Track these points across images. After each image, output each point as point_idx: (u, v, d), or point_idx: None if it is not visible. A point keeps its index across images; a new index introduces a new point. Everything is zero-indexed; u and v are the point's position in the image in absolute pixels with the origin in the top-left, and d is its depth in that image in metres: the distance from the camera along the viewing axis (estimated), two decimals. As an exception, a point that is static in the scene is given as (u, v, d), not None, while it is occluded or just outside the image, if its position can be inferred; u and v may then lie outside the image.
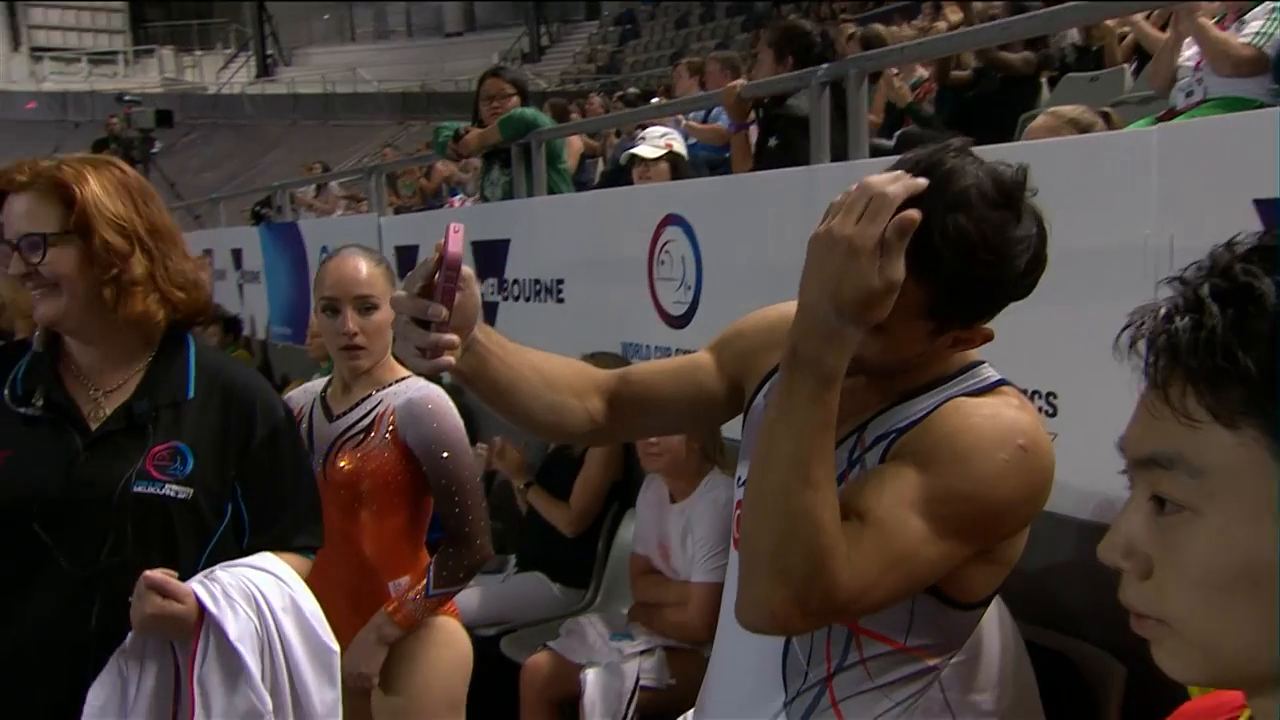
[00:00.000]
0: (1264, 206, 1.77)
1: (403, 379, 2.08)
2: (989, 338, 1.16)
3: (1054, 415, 2.15)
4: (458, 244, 1.09)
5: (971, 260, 1.03)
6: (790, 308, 1.16)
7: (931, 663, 1.18)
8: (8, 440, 1.47)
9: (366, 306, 2.01)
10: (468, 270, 1.13)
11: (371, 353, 2.04)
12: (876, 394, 1.17)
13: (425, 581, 2.00)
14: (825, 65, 2.90)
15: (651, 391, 1.33)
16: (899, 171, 1.03)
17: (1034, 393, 2.17)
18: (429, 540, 2.92)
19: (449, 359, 1.12)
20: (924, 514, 1.04)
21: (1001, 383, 1.19)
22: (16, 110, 23.86)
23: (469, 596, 3.14)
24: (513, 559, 3.31)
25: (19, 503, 1.43)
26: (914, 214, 1.00)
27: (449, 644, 2.06)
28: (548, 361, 1.28)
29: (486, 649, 3.01)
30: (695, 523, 2.64)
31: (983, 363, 1.21)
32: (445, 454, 1.99)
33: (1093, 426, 2.08)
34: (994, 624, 1.78)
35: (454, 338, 1.11)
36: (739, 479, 1.30)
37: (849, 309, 0.99)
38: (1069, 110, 2.89)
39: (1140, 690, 1.93)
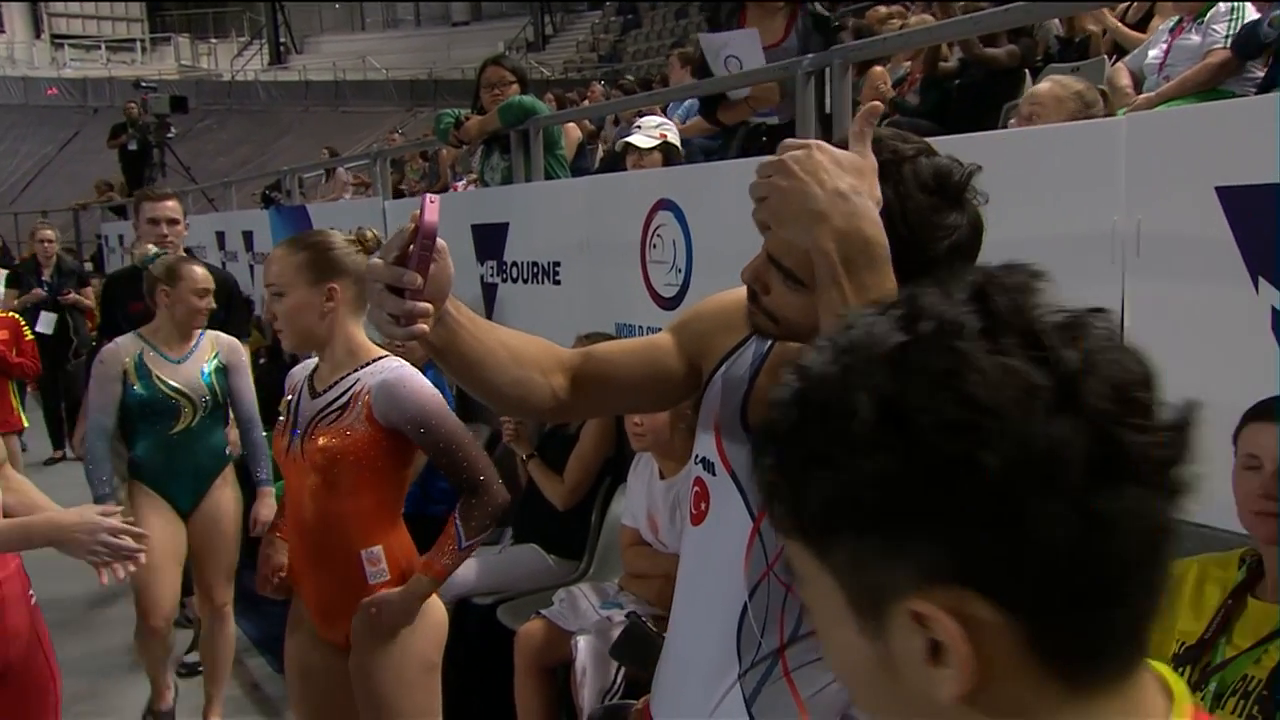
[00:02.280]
0: (1226, 193, 1.77)
1: (379, 359, 2.08)
2: None
3: (1025, 395, 2.15)
4: (433, 214, 1.08)
5: (888, 230, 1.02)
6: (742, 293, 1.17)
7: None
8: None
9: (275, 294, 2.06)
10: (442, 242, 1.12)
11: (288, 335, 2.09)
12: None
13: (455, 536, 2.01)
14: (810, 56, 2.89)
15: (612, 369, 1.33)
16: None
17: (1006, 373, 2.18)
18: (430, 512, 2.94)
19: (422, 327, 1.10)
20: None
21: None
22: (38, 96, 23.78)
23: (467, 567, 3.16)
24: (509, 531, 3.32)
25: None
26: (878, 104, 1.08)
27: (423, 610, 2.07)
28: (515, 338, 1.27)
29: (483, 617, 3.03)
30: (683, 498, 2.65)
31: None
32: (427, 426, 2.00)
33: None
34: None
35: (428, 306, 1.10)
36: (695, 456, 1.30)
37: (862, 184, 1.01)
38: (1075, 83, 2.84)
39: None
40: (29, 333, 5.47)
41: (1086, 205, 2.03)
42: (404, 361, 2.08)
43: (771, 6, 3.51)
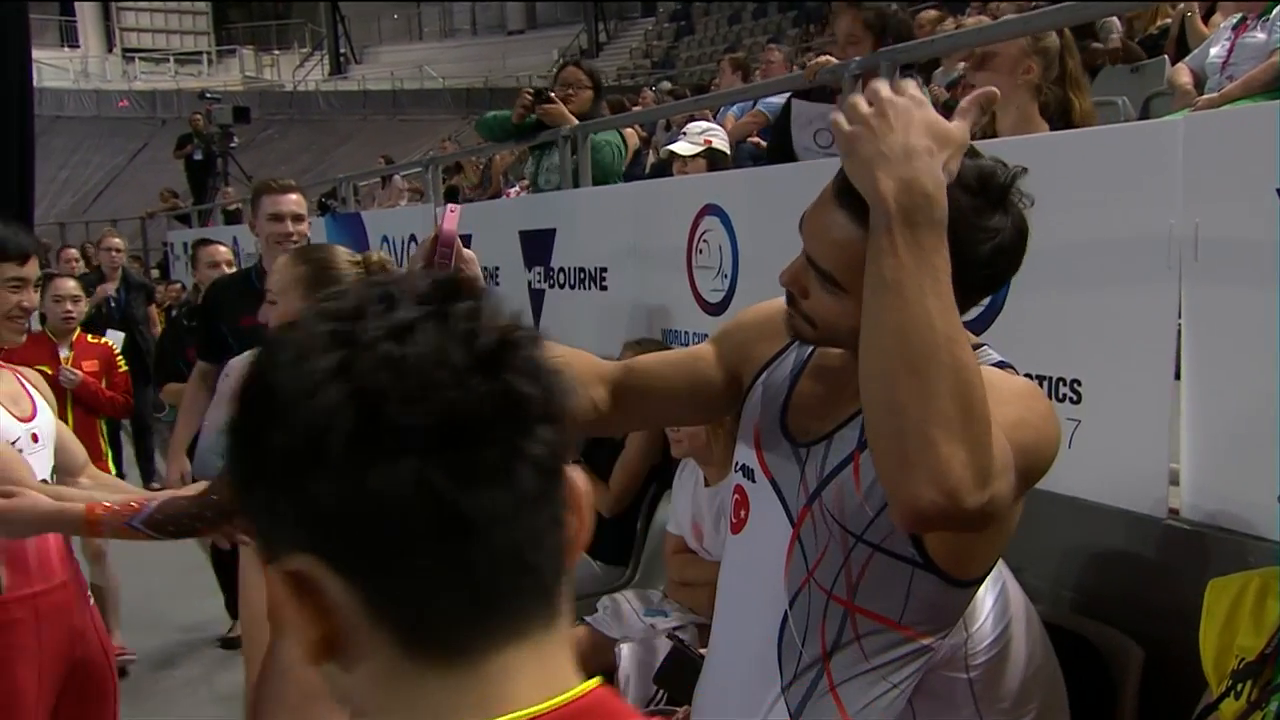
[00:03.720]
0: (1289, 195, 1.70)
1: None
2: None
3: (1078, 402, 2.09)
4: (452, 223, 1.12)
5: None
6: (782, 301, 1.14)
7: (925, 641, 1.16)
8: None
9: (270, 301, 2.08)
10: (469, 253, 1.16)
11: None
12: None
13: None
14: (857, 59, 2.85)
15: (654, 381, 1.33)
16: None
17: (1058, 379, 2.12)
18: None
19: None
20: (1009, 436, 0.99)
21: (1004, 364, 1.16)
22: (110, 108, 24.46)
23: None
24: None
25: None
26: (994, 91, 1.12)
27: None
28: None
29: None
30: (727, 506, 2.62)
31: (984, 345, 1.17)
32: None
33: (1115, 413, 2.03)
34: (1022, 628, 1.74)
35: None
36: (736, 463, 1.28)
37: (940, 150, 0.99)
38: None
39: (1157, 673, 1.88)
40: (123, 363, 4.49)
41: (1142, 208, 1.96)
42: None
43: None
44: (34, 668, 2.13)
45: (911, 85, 1.02)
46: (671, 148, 3.95)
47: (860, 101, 1.01)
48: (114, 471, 4.22)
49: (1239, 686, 1.53)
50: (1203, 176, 1.86)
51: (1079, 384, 2.09)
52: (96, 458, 3.64)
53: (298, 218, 3.20)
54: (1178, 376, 1.93)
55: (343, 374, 0.52)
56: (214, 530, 1.90)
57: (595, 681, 0.57)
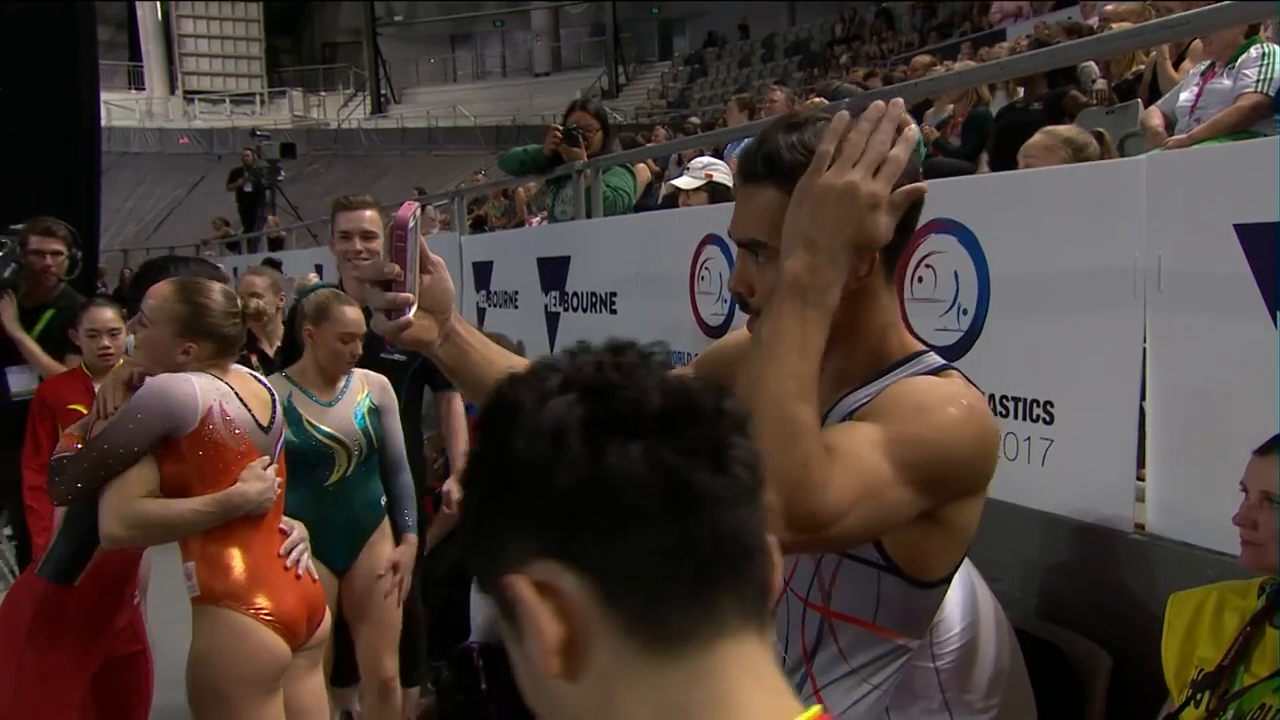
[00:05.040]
0: (1245, 230, 1.68)
1: None
2: (872, 255, 1.08)
3: (1050, 422, 2.07)
4: (405, 211, 1.10)
5: (814, 153, 1.02)
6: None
7: (901, 641, 1.13)
8: None
9: (141, 324, 2.10)
10: (438, 258, 1.15)
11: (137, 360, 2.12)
12: (829, 387, 1.09)
13: None
14: (848, 98, 2.84)
15: None
16: (894, 127, 1.02)
17: (1032, 401, 2.10)
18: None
19: (408, 316, 1.11)
20: (888, 455, 0.99)
21: (946, 367, 1.13)
22: (172, 145, 24.73)
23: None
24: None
25: None
26: (923, 186, 1.05)
27: (230, 638, 2.00)
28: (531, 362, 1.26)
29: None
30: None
31: (927, 351, 1.15)
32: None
33: (1085, 433, 2.01)
34: (991, 626, 1.72)
35: (408, 295, 1.10)
36: None
37: (855, 254, 1.01)
38: (1064, 130, 2.79)
39: (1125, 679, 1.85)
40: None
41: (1109, 241, 1.94)
42: (188, 375, 2.00)
43: None
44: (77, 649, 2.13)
45: (894, 164, 1.01)
46: (675, 182, 3.96)
47: (848, 143, 1.01)
48: None
49: (1199, 696, 1.50)
50: (1165, 212, 1.85)
51: (1051, 405, 2.06)
52: None
53: (366, 234, 2.86)
54: (1144, 398, 1.91)
55: (569, 383, 0.56)
56: None
57: (816, 710, 0.56)
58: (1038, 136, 2.77)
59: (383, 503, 2.68)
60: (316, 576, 2.22)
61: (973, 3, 15.78)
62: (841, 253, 1.00)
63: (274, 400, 2.17)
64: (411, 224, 1.09)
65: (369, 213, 2.90)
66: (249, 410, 2.07)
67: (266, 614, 2.01)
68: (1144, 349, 1.89)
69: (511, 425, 0.57)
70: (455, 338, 1.17)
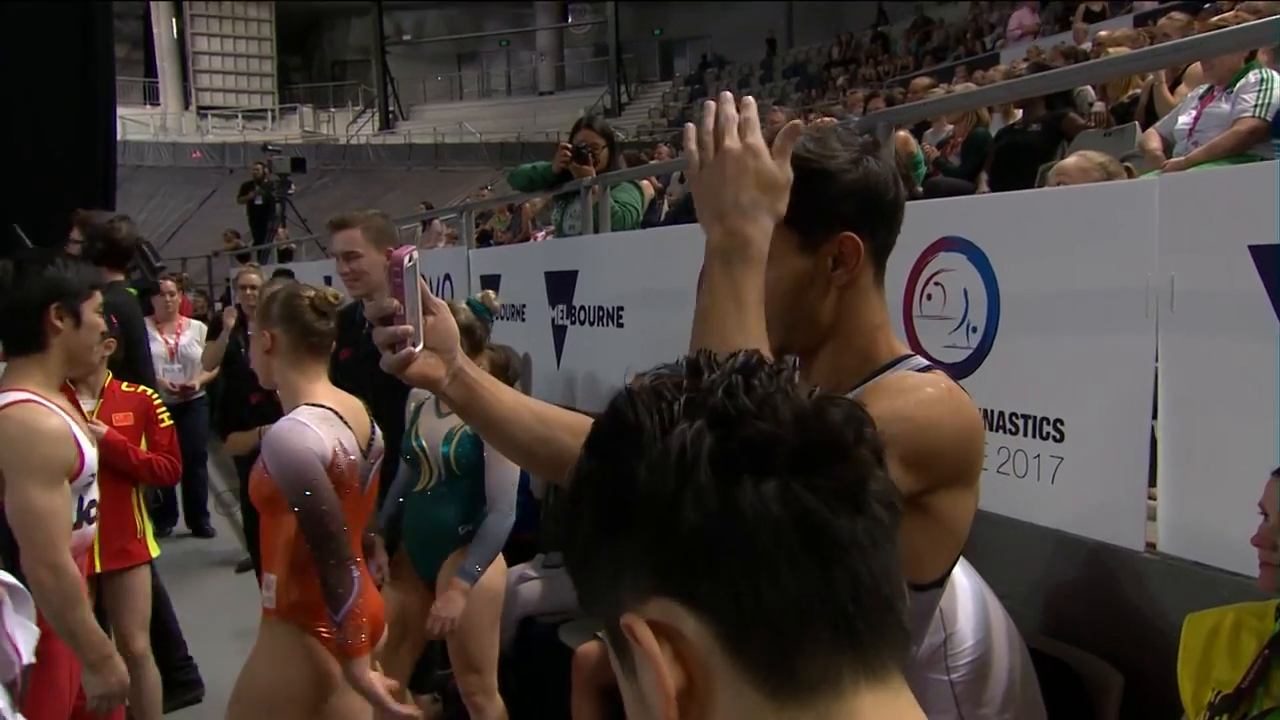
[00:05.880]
0: (1259, 252, 1.64)
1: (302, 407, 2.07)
2: (858, 247, 1.11)
3: (1060, 440, 2.02)
4: (402, 250, 1.13)
5: (796, 158, 1.07)
6: None
7: None
8: None
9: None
10: (440, 300, 1.17)
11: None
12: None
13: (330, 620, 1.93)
14: (856, 118, 2.81)
15: None
16: (730, 99, 1.09)
17: (1042, 419, 2.06)
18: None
19: (409, 349, 1.12)
20: None
21: (931, 367, 1.13)
22: (185, 159, 24.72)
23: (530, 588, 3.09)
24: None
25: None
26: (798, 123, 1.08)
27: (286, 658, 1.96)
28: (542, 404, 1.24)
29: (546, 636, 2.95)
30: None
31: (913, 355, 1.15)
32: (280, 484, 1.94)
33: (1095, 451, 1.96)
34: (1004, 641, 1.67)
35: (407, 328, 1.11)
36: None
37: (765, 199, 1.03)
38: (1098, 156, 2.77)
39: (1136, 699, 1.80)
40: (166, 416, 3.22)
41: (1121, 261, 1.91)
42: (302, 421, 1.93)
43: None
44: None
45: (751, 120, 1.06)
46: None
47: (703, 134, 1.07)
48: (154, 552, 3.12)
49: (1217, 719, 1.45)
50: (1179, 233, 1.81)
51: (1061, 423, 2.02)
52: (129, 535, 2.94)
53: (347, 255, 2.78)
54: (1155, 417, 1.87)
55: (696, 407, 0.50)
56: None
57: None
58: (1073, 159, 2.74)
59: (461, 533, 2.57)
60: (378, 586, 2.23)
61: (966, 27, 15.83)
62: (752, 209, 1.03)
63: (372, 424, 2.13)
64: (408, 263, 1.12)
65: (348, 233, 2.79)
66: (356, 438, 2.03)
67: (328, 635, 1.96)
68: (1155, 368, 1.85)
69: (633, 449, 0.51)
70: (463, 376, 1.17)
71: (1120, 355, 1.91)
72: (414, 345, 1.12)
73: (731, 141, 1.04)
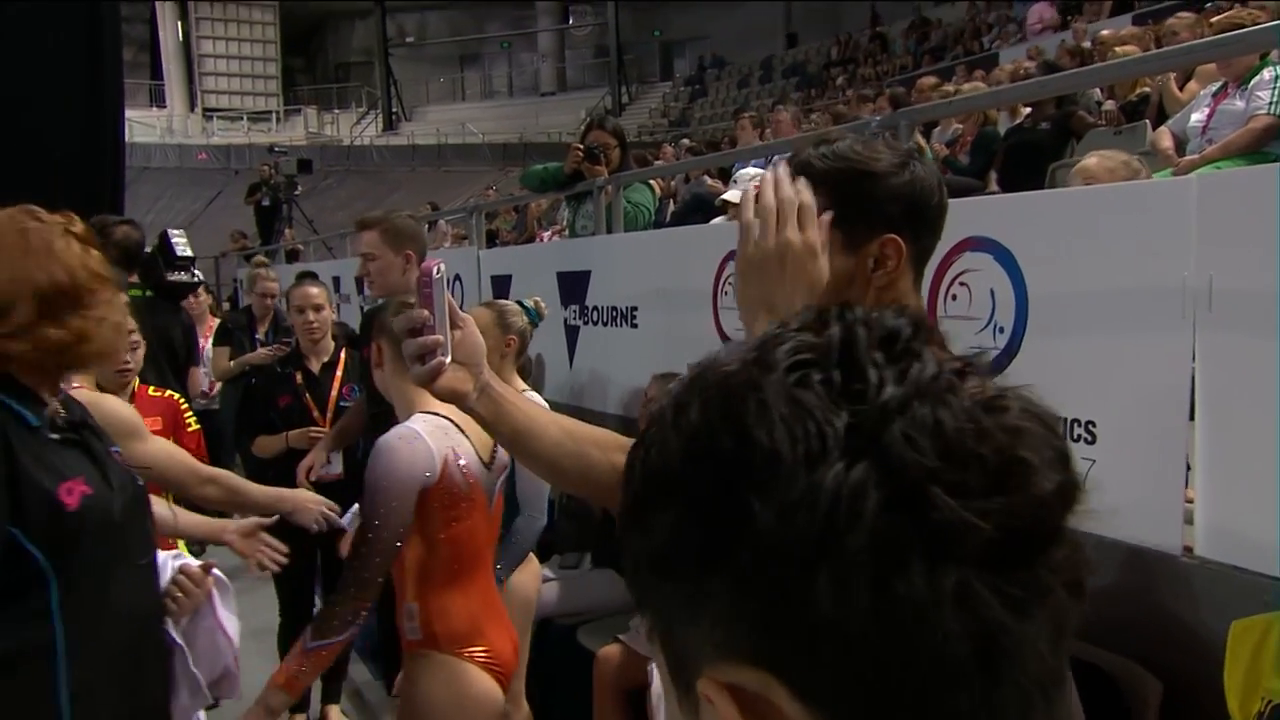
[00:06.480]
0: (1305, 250, 1.59)
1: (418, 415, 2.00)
2: (900, 249, 1.07)
3: (1092, 442, 1.97)
4: (430, 262, 1.13)
5: (844, 159, 1.06)
6: None
7: None
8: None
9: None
10: (466, 315, 1.16)
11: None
12: None
13: (302, 639, 1.78)
14: (878, 118, 2.76)
15: None
16: (789, 176, 1.05)
17: (1073, 420, 2.00)
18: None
19: (439, 359, 1.10)
20: None
21: None
22: (190, 160, 24.65)
23: (550, 590, 3.04)
24: (589, 556, 3.20)
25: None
26: (828, 216, 1.04)
27: (444, 684, 1.84)
28: (572, 420, 1.22)
29: (564, 637, 2.90)
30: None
31: None
32: (368, 497, 1.82)
33: (1128, 453, 1.91)
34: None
35: (437, 338, 1.10)
36: None
37: (809, 302, 1.00)
38: (1119, 154, 2.71)
39: (1175, 705, 1.75)
40: (193, 420, 3.14)
41: (1156, 260, 1.85)
42: (414, 430, 1.82)
43: None
44: None
45: (808, 209, 1.01)
46: (725, 197, 3.88)
47: (764, 211, 1.01)
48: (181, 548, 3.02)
49: (1269, 730, 1.40)
50: (1217, 231, 1.75)
51: (1093, 425, 1.96)
52: (162, 539, 2.83)
53: (368, 256, 2.88)
54: (1191, 418, 1.81)
55: (860, 439, 0.36)
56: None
57: None
58: (1093, 158, 2.68)
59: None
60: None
61: (964, 27, 15.77)
62: (785, 308, 1.00)
63: None
64: (437, 274, 1.12)
65: (366, 234, 2.89)
66: (475, 449, 1.92)
67: (485, 657, 1.86)
68: (1192, 369, 1.79)
69: (759, 483, 0.36)
70: (490, 391, 1.15)
71: (1155, 356, 1.85)
72: (443, 356, 1.11)
73: (794, 235, 1.00)
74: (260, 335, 5.22)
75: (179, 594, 1.63)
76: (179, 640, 1.65)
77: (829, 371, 0.38)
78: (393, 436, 1.81)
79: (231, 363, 4.96)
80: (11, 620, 1.28)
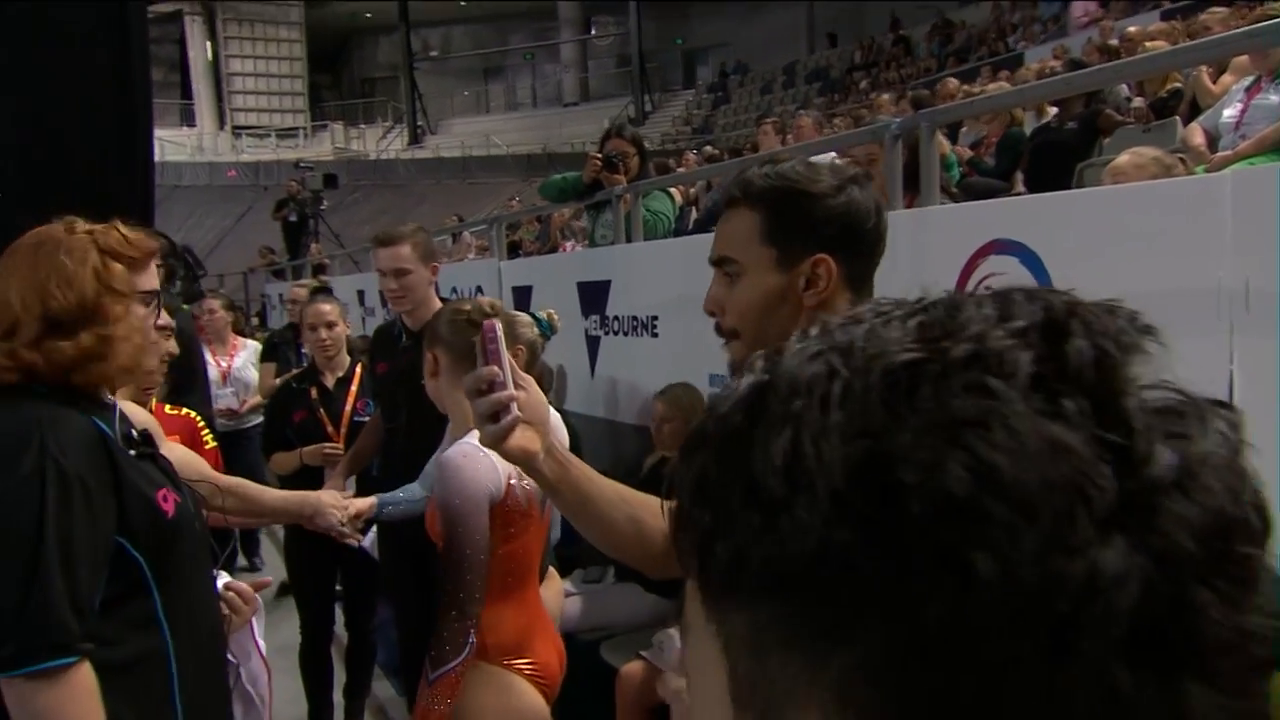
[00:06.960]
0: (1349, 249, 1.51)
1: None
2: (830, 270, 1.11)
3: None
4: (491, 323, 1.14)
5: (783, 178, 1.10)
6: None
7: None
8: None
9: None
10: (528, 376, 1.16)
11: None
12: None
13: (425, 675, 1.77)
14: (899, 119, 2.70)
15: None
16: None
17: (1105, 428, 1.93)
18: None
19: (514, 415, 1.09)
20: None
21: None
22: (220, 177, 25.01)
23: (572, 604, 3.00)
24: (612, 570, 3.16)
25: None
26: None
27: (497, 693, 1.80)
28: (625, 487, 1.21)
29: (587, 653, 2.86)
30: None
31: None
32: (444, 516, 1.78)
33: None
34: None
35: (511, 393, 1.09)
36: None
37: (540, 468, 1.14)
38: (1151, 151, 2.64)
39: None
40: (211, 438, 3.04)
41: (1191, 261, 1.78)
42: (476, 445, 1.75)
43: None
44: None
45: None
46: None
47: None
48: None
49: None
50: (1254, 230, 1.68)
51: (1126, 432, 1.90)
52: None
53: (399, 272, 2.75)
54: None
55: (1132, 517, 0.28)
56: None
57: None
58: (1125, 156, 2.62)
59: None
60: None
61: (988, 28, 15.62)
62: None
63: None
64: (499, 331, 1.13)
65: (396, 249, 2.72)
66: None
67: (532, 670, 1.84)
68: (1230, 372, 1.72)
69: (977, 520, 0.28)
70: (555, 452, 1.14)
71: (1190, 360, 1.78)
72: (516, 414, 1.10)
73: (488, 436, 1.11)
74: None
75: (227, 611, 1.63)
76: (233, 658, 1.65)
77: (1077, 400, 0.30)
78: (456, 454, 1.77)
79: (277, 380, 4.77)
80: (127, 625, 1.31)
